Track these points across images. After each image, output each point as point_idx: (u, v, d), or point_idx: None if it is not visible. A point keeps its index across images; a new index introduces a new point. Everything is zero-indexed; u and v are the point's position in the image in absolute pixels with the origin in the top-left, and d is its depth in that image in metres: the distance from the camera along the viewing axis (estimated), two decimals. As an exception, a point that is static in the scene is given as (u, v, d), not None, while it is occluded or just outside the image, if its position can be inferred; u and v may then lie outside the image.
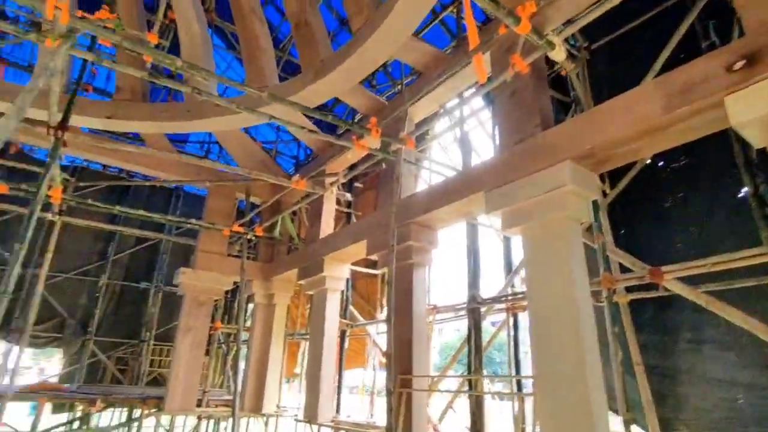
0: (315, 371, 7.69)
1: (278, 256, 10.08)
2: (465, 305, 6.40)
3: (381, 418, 7.56)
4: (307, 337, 10.15)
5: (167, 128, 7.72)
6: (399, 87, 8.61)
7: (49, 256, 7.84)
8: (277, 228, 8.50)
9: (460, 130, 7.48)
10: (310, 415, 7.53)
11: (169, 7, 8.13)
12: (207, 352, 9.31)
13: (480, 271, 6.49)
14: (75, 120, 7.37)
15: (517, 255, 6.84)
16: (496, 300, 6.44)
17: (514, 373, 6.39)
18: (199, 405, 8.62)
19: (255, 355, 9.33)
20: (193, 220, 8.29)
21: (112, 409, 11.27)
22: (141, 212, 7.54)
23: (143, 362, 13.74)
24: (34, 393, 8.47)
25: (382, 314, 9.73)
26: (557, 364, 3.97)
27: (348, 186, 10.47)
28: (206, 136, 14.03)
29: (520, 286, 6.64)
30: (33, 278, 12.00)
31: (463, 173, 5.89)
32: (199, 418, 8.69)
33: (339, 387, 8.42)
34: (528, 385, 6.53)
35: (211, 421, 8.99)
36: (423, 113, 7.37)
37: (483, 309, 6.46)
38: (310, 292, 8.53)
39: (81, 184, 11.36)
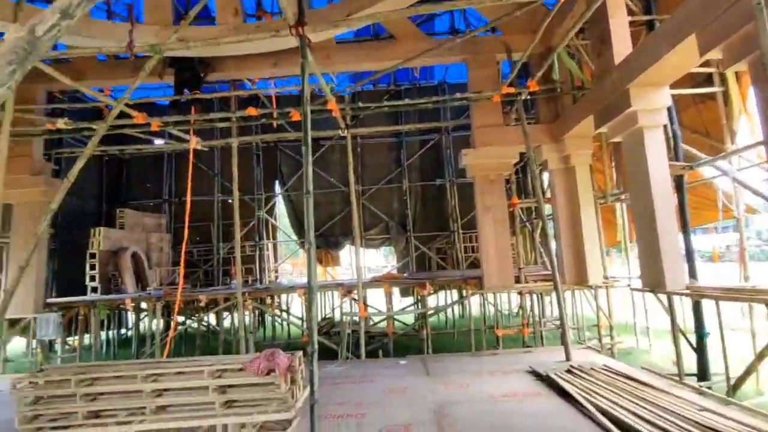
0: (648, 231, 6.04)
1: (564, 110, 8.39)
2: None
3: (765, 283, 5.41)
4: (624, 197, 8.35)
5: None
6: None
7: (350, 168, 8.61)
8: (555, 71, 6.78)
9: None
10: (653, 282, 6.05)
11: None
12: (513, 232, 8.84)
13: None
14: (322, 36, 7.47)
15: None
16: None
17: None
18: (517, 281, 8.35)
19: (564, 226, 8.29)
20: (459, 94, 7.54)
21: (443, 291, 12.61)
22: (407, 101, 7.25)
23: (458, 250, 14.84)
24: (379, 282, 9.97)
25: (734, 145, 6.90)
26: None
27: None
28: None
29: None
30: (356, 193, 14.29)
31: None
32: (521, 293, 8.47)
33: (689, 250, 6.48)
34: None
35: (534, 296, 8.67)
36: None
37: None
38: (617, 139, 6.65)
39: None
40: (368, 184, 15.57)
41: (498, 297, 8.75)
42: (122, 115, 9.04)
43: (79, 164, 5.29)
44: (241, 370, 4.33)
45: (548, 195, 9.30)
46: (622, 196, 8.32)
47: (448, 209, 15.20)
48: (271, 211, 15.95)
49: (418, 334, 9.65)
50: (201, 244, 15.78)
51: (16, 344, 9.58)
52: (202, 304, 9.00)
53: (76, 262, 11.96)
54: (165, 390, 4.39)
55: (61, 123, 7.43)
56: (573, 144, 8.06)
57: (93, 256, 11.63)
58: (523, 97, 7.72)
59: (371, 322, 12.03)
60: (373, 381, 6.53)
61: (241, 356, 5.08)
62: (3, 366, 8.90)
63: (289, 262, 21.44)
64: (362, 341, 8.57)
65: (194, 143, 9.52)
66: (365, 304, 11.32)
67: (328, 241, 15.38)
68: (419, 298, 9.69)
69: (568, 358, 6.91)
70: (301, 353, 4.74)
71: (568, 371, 6.10)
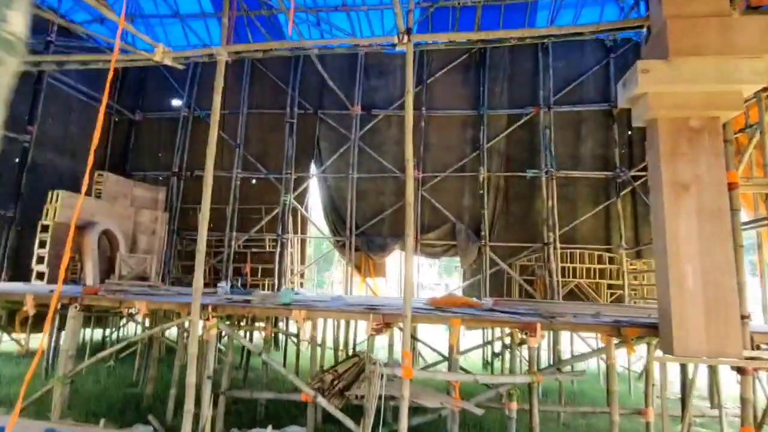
0: None
1: None
2: None
3: None
4: None
5: None
6: None
7: (408, 97, 4.65)
8: None
9: None
10: None
11: None
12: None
13: None
14: None
15: None
16: None
17: None
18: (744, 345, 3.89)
19: None
20: None
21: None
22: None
23: (552, 270, 10.34)
24: (441, 311, 5.85)
25: None
26: None
27: None
28: None
29: None
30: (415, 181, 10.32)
31: None
32: (743, 371, 4.00)
33: None
34: None
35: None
36: None
37: None
38: None
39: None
40: (431, 170, 11.47)
41: (691, 371, 4.31)
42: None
43: None
44: None
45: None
46: None
47: (542, 213, 10.76)
48: (302, 198, 12.27)
49: (501, 408, 5.38)
50: (213, 232, 12.38)
51: None
52: (138, 318, 5.28)
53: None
54: None
55: None
56: None
57: (45, 229, 8.42)
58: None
59: (422, 364, 7.92)
60: None
61: None
62: None
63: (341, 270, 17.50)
64: (404, 421, 4.46)
65: (160, 53, 5.97)
66: (414, 339, 7.17)
67: (371, 242, 11.40)
68: (512, 344, 5.45)
69: None
70: None
71: None
